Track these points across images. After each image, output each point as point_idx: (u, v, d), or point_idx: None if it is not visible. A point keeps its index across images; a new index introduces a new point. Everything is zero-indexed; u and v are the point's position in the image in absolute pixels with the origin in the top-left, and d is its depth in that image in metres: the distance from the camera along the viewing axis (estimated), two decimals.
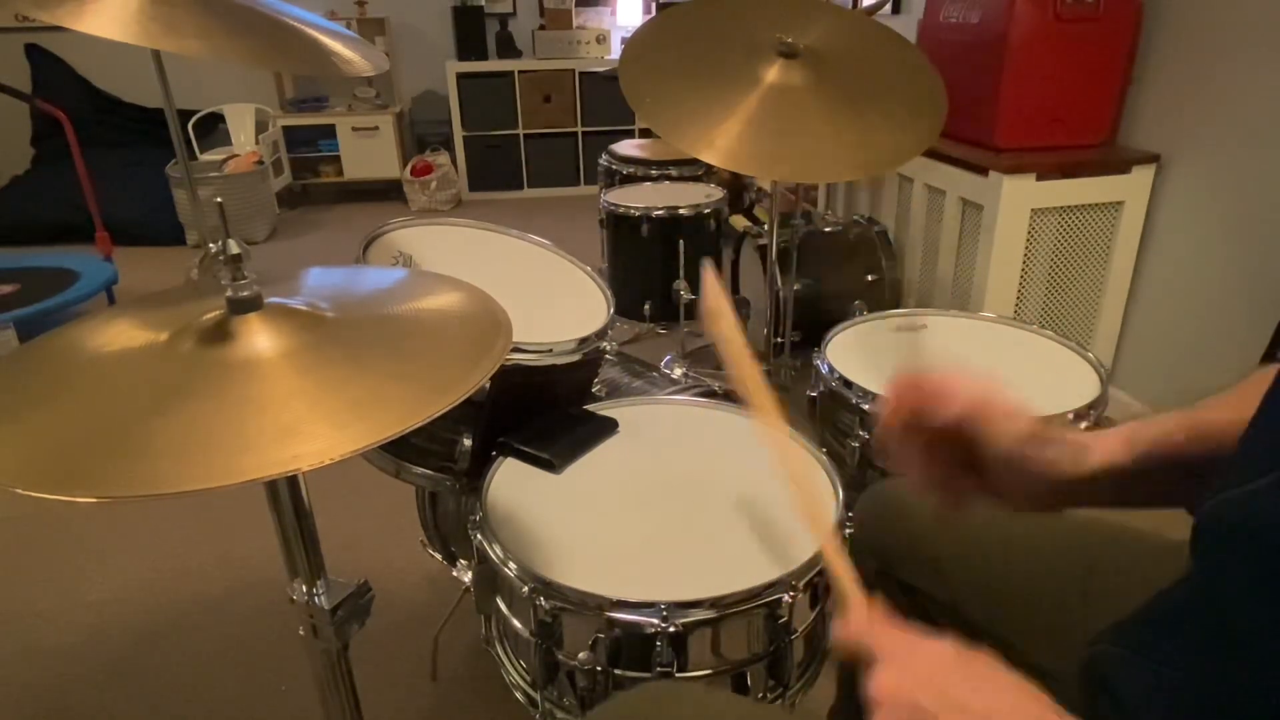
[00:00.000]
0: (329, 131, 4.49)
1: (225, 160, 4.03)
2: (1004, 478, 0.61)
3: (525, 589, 0.80)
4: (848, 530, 0.87)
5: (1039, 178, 1.94)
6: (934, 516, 0.83)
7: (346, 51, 1.27)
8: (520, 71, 4.47)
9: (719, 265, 2.47)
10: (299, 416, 0.60)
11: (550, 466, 0.98)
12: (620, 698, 0.67)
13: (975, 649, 0.49)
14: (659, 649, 0.76)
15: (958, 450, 0.62)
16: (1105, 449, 0.58)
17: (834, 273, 2.33)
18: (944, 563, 0.81)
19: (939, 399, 0.61)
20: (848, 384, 1.23)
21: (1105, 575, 0.73)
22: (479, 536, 0.88)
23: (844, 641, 0.53)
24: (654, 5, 4.66)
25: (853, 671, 0.92)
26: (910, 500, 0.86)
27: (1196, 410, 0.58)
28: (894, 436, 0.64)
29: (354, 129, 4.49)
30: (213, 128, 4.39)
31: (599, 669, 0.79)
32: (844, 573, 0.58)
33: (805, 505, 0.71)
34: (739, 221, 2.58)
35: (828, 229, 2.43)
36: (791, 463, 0.65)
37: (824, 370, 1.29)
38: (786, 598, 0.79)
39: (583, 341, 1.08)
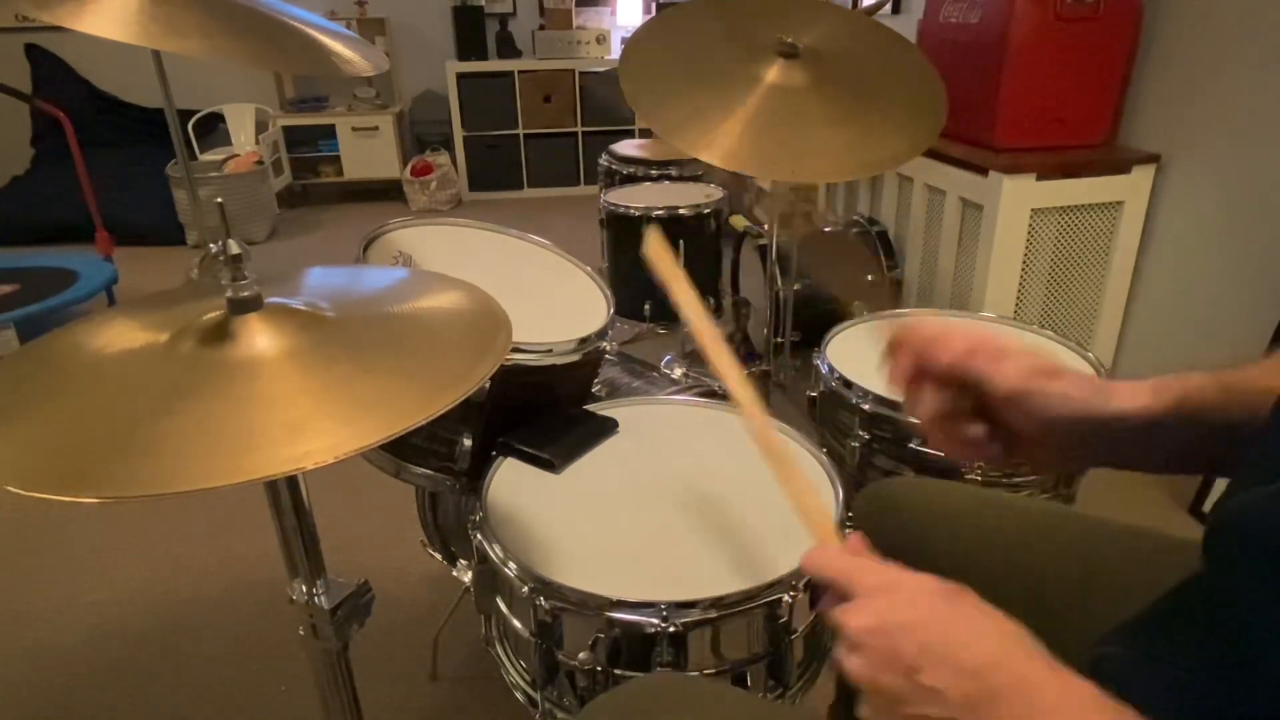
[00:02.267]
0: (329, 131, 4.49)
1: (225, 160, 4.03)
2: (1018, 423, 0.58)
3: (525, 589, 0.80)
4: (848, 530, 0.87)
5: (1039, 178, 1.94)
6: (933, 515, 0.83)
7: (346, 51, 1.27)
8: (520, 71, 4.47)
9: (719, 265, 2.47)
10: (302, 415, 0.60)
11: (550, 466, 0.98)
12: (622, 688, 0.67)
13: (958, 587, 0.47)
14: (659, 649, 0.77)
15: (968, 399, 0.60)
16: (1131, 393, 0.56)
17: (834, 273, 2.33)
18: (944, 562, 0.81)
19: (934, 346, 0.60)
20: (848, 384, 1.23)
21: (1106, 574, 0.72)
22: (479, 536, 0.88)
23: (813, 573, 0.50)
24: (654, 5, 4.66)
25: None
26: (910, 500, 0.86)
27: (1229, 371, 0.56)
28: (903, 390, 0.63)
29: (354, 129, 4.49)
30: (213, 128, 4.39)
31: (599, 669, 0.79)
32: (811, 505, 0.56)
33: (769, 449, 0.66)
34: (739, 221, 2.58)
35: (828, 229, 2.43)
36: (759, 421, 0.63)
37: (824, 370, 1.29)
38: (786, 598, 0.79)
39: (583, 341, 1.08)
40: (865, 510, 0.89)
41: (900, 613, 0.46)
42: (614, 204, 2.31)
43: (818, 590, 0.68)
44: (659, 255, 0.71)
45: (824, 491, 0.93)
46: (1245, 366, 0.56)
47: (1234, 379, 0.55)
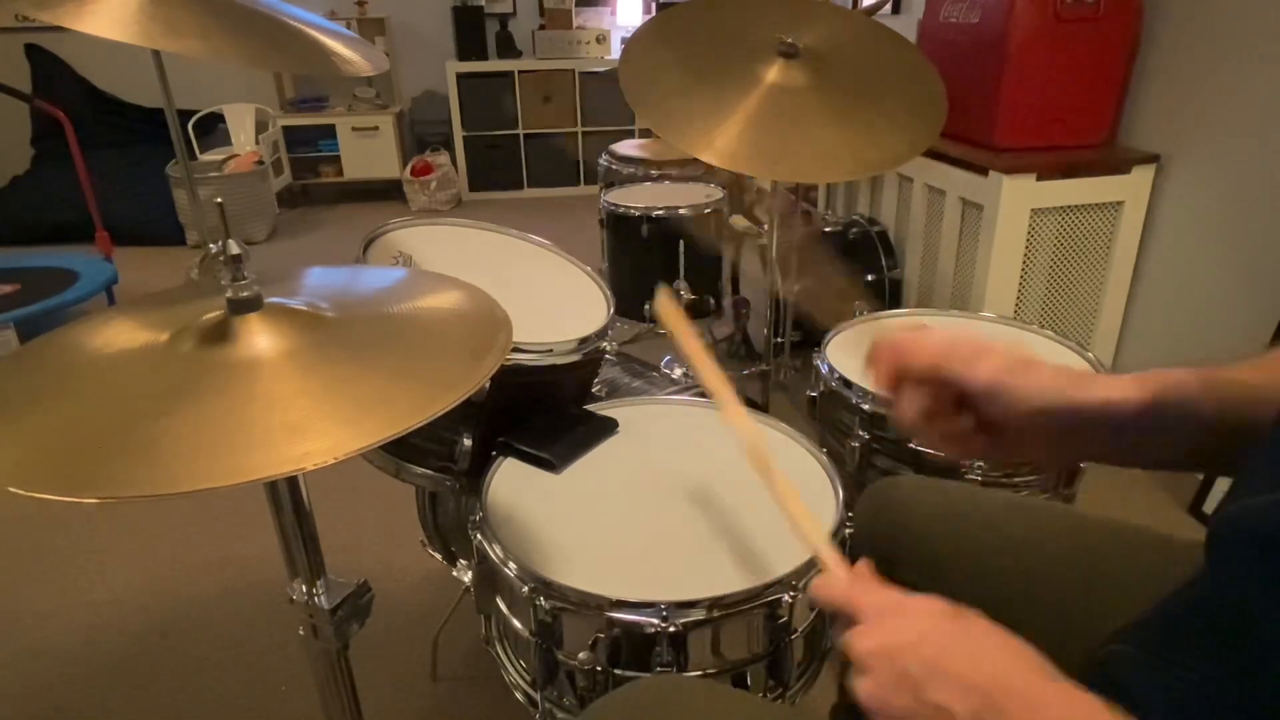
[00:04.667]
0: (329, 131, 4.49)
1: (225, 160, 4.03)
2: (1000, 418, 0.59)
3: (525, 589, 0.80)
4: (848, 530, 0.87)
5: (1039, 178, 1.94)
6: (934, 515, 0.83)
7: (346, 51, 1.27)
8: (520, 71, 4.47)
9: (719, 265, 2.47)
10: (302, 415, 0.60)
11: (550, 466, 0.98)
12: (621, 691, 0.67)
13: (962, 608, 0.47)
14: (659, 649, 0.76)
15: (951, 397, 0.60)
16: (1114, 385, 0.56)
17: (834, 273, 2.33)
18: (944, 562, 0.81)
19: (909, 349, 0.61)
20: (848, 384, 1.23)
21: (1108, 574, 0.72)
22: (479, 536, 0.88)
23: (821, 600, 0.51)
24: (654, 5, 4.66)
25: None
26: (911, 499, 0.86)
27: (1214, 368, 0.56)
28: (891, 401, 0.63)
29: (354, 129, 4.49)
30: (213, 128, 4.39)
31: (599, 669, 0.79)
32: (819, 537, 0.57)
33: (775, 482, 0.68)
34: (739, 221, 2.58)
35: (828, 229, 2.43)
36: (759, 442, 0.64)
37: (824, 370, 1.29)
38: (786, 598, 0.79)
39: (583, 341, 1.08)
40: (867, 510, 0.89)
41: (906, 633, 0.47)
42: (614, 204, 2.31)
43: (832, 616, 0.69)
44: (669, 315, 0.72)
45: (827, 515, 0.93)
46: (1231, 363, 0.56)
47: (1216, 375, 0.55)
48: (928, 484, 0.88)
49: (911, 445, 1.17)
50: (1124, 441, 0.57)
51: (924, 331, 0.61)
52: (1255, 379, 0.54)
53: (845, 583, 0.52)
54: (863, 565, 0.54)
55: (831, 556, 0.56)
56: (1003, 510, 0.82)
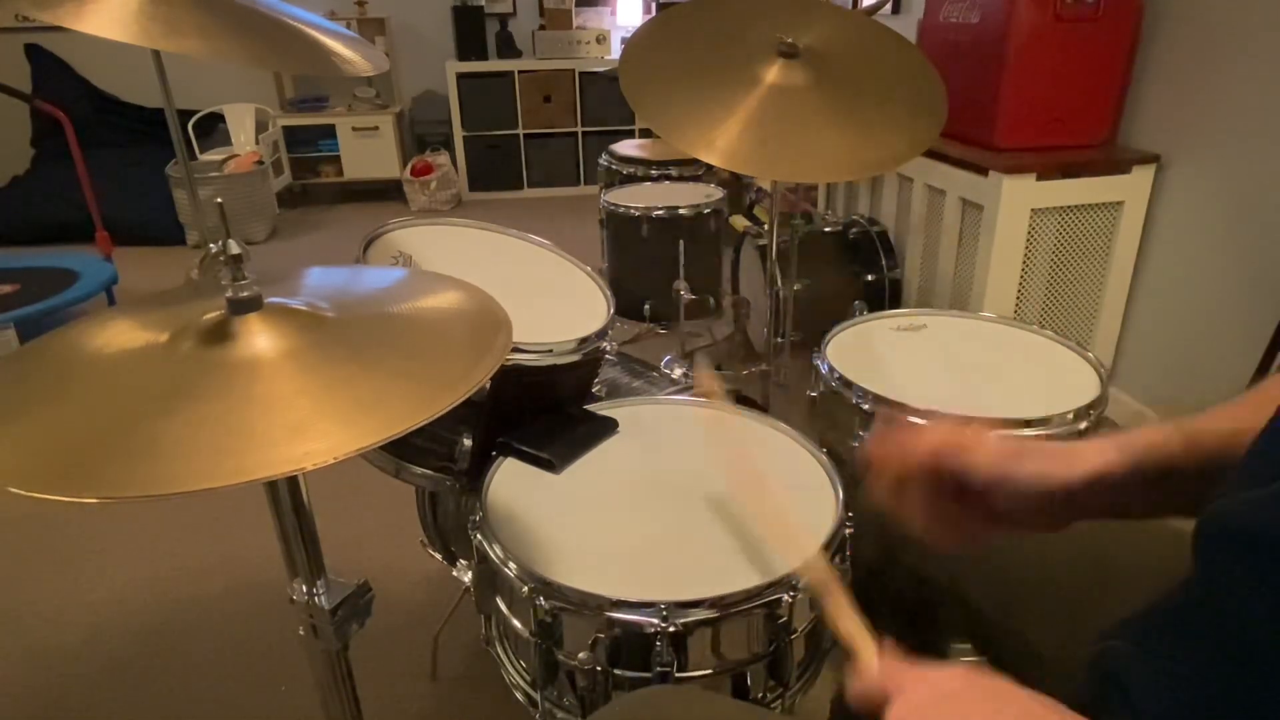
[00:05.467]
0: (329, 131, 4.49)
1: (225, 160, 4.03)
2: (1002, 503, 0.61)
3: (525, 589, 0.80)
4: (848, 530, 0.87)
5: (1039, 178, 1.94)
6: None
7: (346, 51, 1.27)
8: (520, 71, 4.47)
9: (719, 265, 2.47)
10: (302, 415, 0.60)
11: (550, 466, 0.98)
12: (617, 703, 0.67)
13: (985, 672, 0.49)
14: (659, 649, 0.76)
15: (952, 490, 0.62)
16: (1098, 454, 0.58)
17: (834, 273, 2.34)
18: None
19: (909, 447, 0.62)
20: (848, 384, 1.23)
21: (1120, 563, 0.73)
22: (479, 536, 0.88)
23: (860, 696, 0.52)
24: (654, 5, 4.66)
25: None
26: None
27: (1194, 419, 0.58)
28: (889, 496, 0.65)
29: (354, 129, 4.49)
30: (213, 128, 4.39)
31: (599, 669, 0.79)
32: (850, 624, 0.58)
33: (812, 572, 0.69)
34: (739, 221, 2.58)
35: (828, 229, 2.43)
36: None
37: (824, 370, 1.29)
38: (786, 598, 0.79)
39: (583, 341, 1.08)
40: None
41: (935, 697, 0.48)
42: (614, 204, 2.31)
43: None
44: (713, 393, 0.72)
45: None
46: (1208, 413, 0.58)
47: (1197, 431, 0.57)
48: None
49: None
50: (1116, 502, 0.60)
51: (919, 426, 0.63)
52: (1236, 424, 0.55)
53: (875, 675, 0.53)
54: (889, 646, 0.55)
55: (865, 643, 0.56)
56: None
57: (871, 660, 0.54)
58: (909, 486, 0.64)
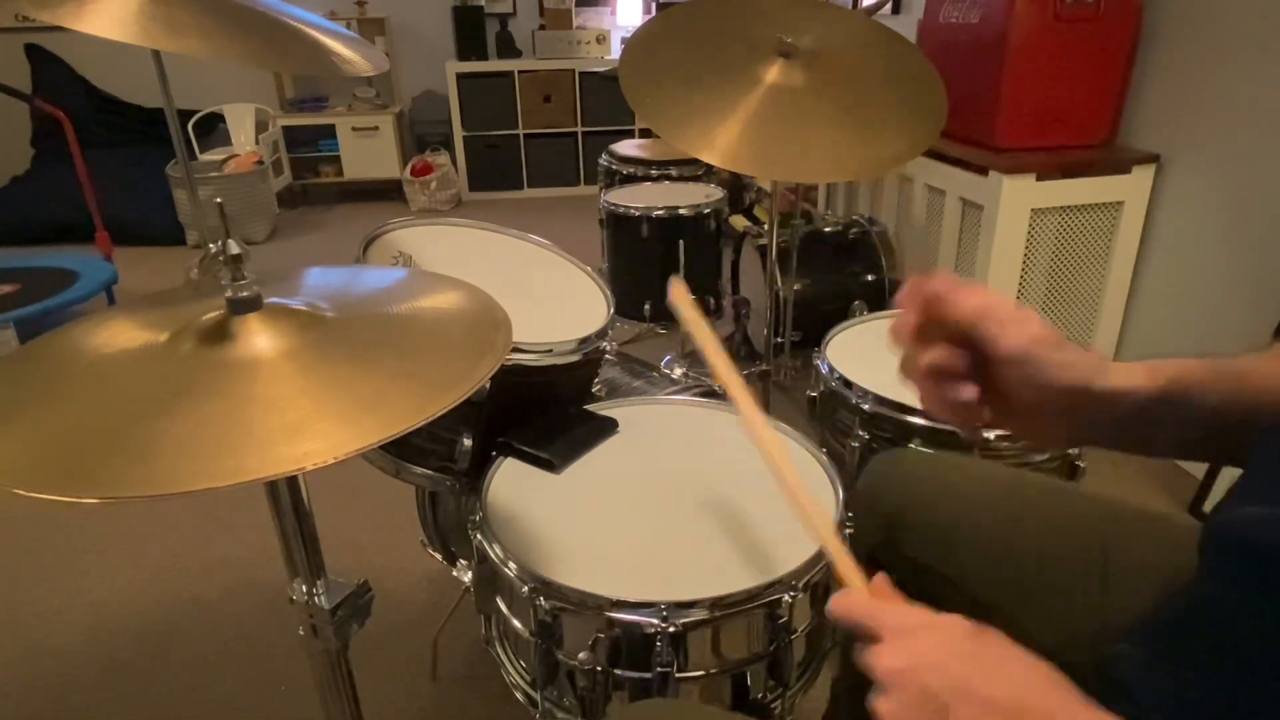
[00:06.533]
0: (329, 131, 4.49)
1: (225, 160, 4.03)
2: (1017, 390, 0.57)
3: (525, 589, 0.80)
4: (848, 531, 0.87)
5: (1039, 178, 1.94)
6: (942, 486, 0.82)
7: (346, 51, 1.27)
8: (520, 71, 4.47)
9: (719, 265, 2.48)
10: (302, 416, 0.60)
11: (550, 466, 0.98)
12: (615, 716, 0.66)
13: (985, 627, 0.47)
14: (659, 649, 0.76)
15: (967, 361, 0.59)
16: (1128, 371, 0.56)
17: (834, 273, 2.33)
18: (954, 534, 0.79)
19: (948, 300, 0.58)
20: (848, 384, 1.23)
21: (1122, 558, 0.72)
22: (479, 536, 0.88)
23: (841, 617, 0.50)
24: (654, 5, 4.66)
25: (850, 683, 0.91)
26: (920, 470, 0.85)
27: (1231, 359, 0.55)
28: (909, 344, 0.61)
29: (354, 129, 4.49)
30: (213, 128, 4.39)
31: (599, 669, 0.79)
32: (840, 552, 0.56)
33: (791, 488, 0.68)
34: (739, 221, 2.58)
35: (828, 229, 2.43)
36: (775, 449, 0.62)
37: (824, 370, 1.29)
38: (786, 598, 0.79)
39: (583, 341, 1.08)
40: (874, 477, 0.88)
41: (929, 652, 0.46)
42: (614, 204, 2.31)
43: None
44: (684, 305, 0.72)
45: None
46: (1239, 355, 0.56)
47: (1228, 365, 0.55)
48: (935, 456, 0.87)
49: (912, 445, 1.17)
50: (1131, 430, 0.57)
51: (962, 285, 0.59)
52: (1264, 370, 0.53)
53: (865, 598, 0.51)
54: (881, 579, 0.53)
55: (850, 570, 0.54)
56: (1012, 484, 0.82)
57: (861, 586, 0.52)
58: (933, 338, 0.60)
